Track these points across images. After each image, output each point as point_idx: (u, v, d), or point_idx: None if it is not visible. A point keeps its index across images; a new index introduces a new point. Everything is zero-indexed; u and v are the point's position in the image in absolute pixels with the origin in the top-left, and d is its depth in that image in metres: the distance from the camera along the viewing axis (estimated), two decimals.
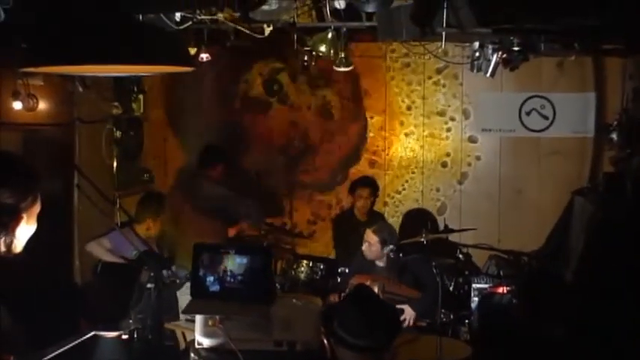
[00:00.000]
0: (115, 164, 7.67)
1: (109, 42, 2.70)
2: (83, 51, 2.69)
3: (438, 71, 8.30)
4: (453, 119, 8.39)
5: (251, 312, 4.00)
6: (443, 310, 6.11)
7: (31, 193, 2.61)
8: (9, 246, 2.58)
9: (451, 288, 7.12)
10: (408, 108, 8.45)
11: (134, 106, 7.93)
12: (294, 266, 7.27)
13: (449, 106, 8.38)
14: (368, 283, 6.15)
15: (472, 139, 8.37)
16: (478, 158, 8.37)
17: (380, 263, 6.51)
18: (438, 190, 8.47)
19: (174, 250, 7.06)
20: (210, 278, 4.08)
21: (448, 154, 8.44)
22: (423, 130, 8.45)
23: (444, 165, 8.46)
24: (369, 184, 7.83)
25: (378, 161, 8.55)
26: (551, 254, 7.69)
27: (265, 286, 4.10)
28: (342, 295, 6.26)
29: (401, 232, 7.30)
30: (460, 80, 8.26)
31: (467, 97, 8.32)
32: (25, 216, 2.59)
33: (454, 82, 8.31)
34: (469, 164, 8.41)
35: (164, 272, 5.86)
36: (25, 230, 2.62)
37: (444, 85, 8.36)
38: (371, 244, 6.41)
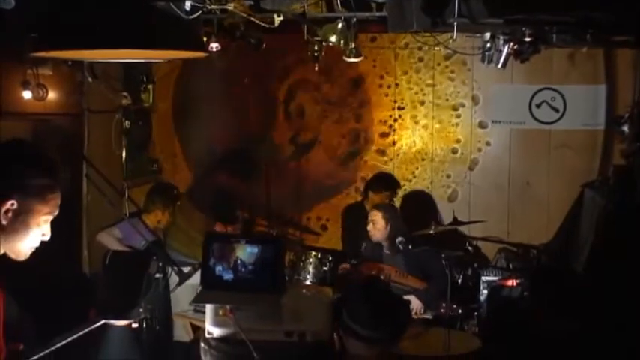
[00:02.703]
0: (123, 155, 7.66)
1: (121, 27, 2.69)
2: (95, 35, 2.68)
3: (447, 57, 8.26)
4: (462, 105, 8.36)
5: (262, 302, 3.98)
6: (451, 305, 6.11)
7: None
8: None
9: (459, 280, 7.10)
10: (417, 94, 8.43)
11: (143, 96, 7.92)
12: (303, 258, 7.25)
13: (458, 92, 8.35)
14: (374, 272, 6.17)
15: (482, 125, 8.34)
16: (488, 144, 8.34)
17: (388, 251, 6.52)
18: (448, 176, 8.45)
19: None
20: (221, 268, 4.06)
21: (458, 141, 8.41)
22: (433, 118, 8.43)
23: (454, 152, 8.43)
24: (391, 185, 7.62)
25: (388, 149, 8.53)
26: (561, 247, 7.67)
27: (276, 276, 4.09)
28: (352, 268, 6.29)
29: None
30: (468, 66, 8.22)
31: (476, 83, 8.28)
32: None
33: (462, 68, 8.28)
34: (479, 150, 8.38)
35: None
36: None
37: (452, 72, 8.33)
38: (375, 222, 6.47)
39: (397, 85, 8.44)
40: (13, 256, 2.56)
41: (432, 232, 6.70)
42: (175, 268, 6.03)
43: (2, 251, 2.55)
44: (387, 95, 8.49)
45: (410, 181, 8.50)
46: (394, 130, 8.50)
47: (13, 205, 2.47)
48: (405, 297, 6.15)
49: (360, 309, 3.34)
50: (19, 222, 2.50)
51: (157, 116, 8.43)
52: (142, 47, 2.89)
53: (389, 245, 6.54)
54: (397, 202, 7.91)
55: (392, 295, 3.82)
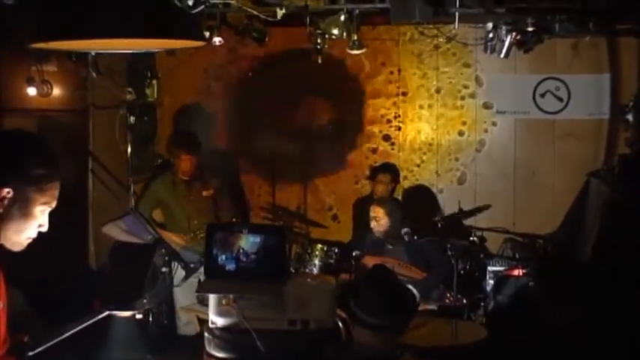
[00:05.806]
0: (128, 150, 7.68)
1: (121, 16, 2.69)
2: (96, 24, 2.68)
3: (448, 40, 8.22)
4: (466, 87, 8.34)
5: (265, 291, 3.99)
6: (456, 295, 6.08)
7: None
8: None
9: (463, 271, 7.07)
10: (420, 79, 8.41)
11: (147, 91, 7.91)
12: (309, 250, 7.26)
13: (461, 74, 8.33)
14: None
15: (487, 106, 8.32)
16: (494, 124, 8.32)
17: (390, 245, 6.51)
18: (457, 159, 8.43)
19: None
20: (224, 257, 4.07)
21: (464, 123, 8.39)
22: (437, 101, 8.41)
23: (461, 134, 8.40)
24: (391, 170, 7.78)
25: (394, 136, 8.51)
26: (567, 237, 7.65)
27: (279, 265, 4.10)
28: (353, 275, 6.27)
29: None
30: (470, 48, 8.18)
31: (478, 64, 8.25)
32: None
33: (464, 50, 8.24)
34: (486, 131, 8.36)
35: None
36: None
37: (454, 54, 8.30)
38: (377, 218, 6.46)
39: (400, 71, 8.42)
40: (8, 246, 2.52)
41: (437, 219, 6.69)
42: (182, 262, 6.06)
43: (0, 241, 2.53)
44: (390, 82, 8.46)
45: (418, 166, 8.46)
46: (399, 117, 8.48)
47: (9, 192, 2.45)
48: None
49: (368, 297, 3.34)
50: (15, 210, 2.47)
51: (161, 111, 8.43)
52: (142, 36, 2.89)
53: (390, 239, 6.53)
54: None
55: (399, 284, 3.82)
